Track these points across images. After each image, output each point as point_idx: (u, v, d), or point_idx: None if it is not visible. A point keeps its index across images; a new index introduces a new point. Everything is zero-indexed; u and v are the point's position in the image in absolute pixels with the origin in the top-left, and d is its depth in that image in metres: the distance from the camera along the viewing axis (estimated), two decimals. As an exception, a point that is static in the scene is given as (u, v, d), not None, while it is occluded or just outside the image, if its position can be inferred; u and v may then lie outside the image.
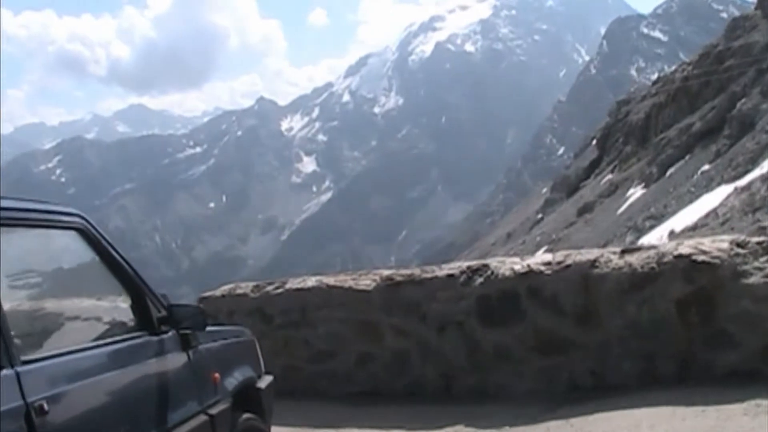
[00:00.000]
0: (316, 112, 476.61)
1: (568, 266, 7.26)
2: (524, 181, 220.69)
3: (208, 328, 4.90)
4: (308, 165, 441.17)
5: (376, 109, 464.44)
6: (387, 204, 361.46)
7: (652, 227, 53.05)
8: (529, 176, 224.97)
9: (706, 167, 57.81)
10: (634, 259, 7.08)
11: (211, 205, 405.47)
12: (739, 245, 6.81)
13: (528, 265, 7.48)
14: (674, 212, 52.55)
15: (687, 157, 63.44)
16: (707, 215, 45.55)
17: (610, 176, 79.04)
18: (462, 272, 7.82)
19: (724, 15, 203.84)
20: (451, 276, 7.86)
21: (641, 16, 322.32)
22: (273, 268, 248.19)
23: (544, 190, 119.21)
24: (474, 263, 7.92)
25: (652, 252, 7.04)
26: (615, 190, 73.20)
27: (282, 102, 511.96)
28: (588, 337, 7.24)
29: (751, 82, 62.07)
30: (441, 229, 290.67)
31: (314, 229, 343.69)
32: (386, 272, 8.40)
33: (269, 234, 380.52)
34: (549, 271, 7.32)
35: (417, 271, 8.23)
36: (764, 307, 6.59)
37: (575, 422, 6.63)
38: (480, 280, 7.67)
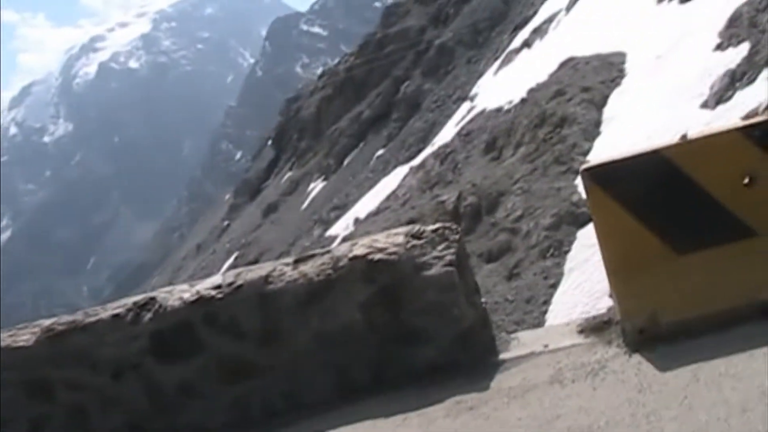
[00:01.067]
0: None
1: (240, 286, 6.71)
2: (207, 190, 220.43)
3: None
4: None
5: (46, 138, 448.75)
6: (71, 233, 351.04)
7: (337, 217, 54.03)
8: (210, 184, 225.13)
9: (380, 152, 59.63)
10: (308, 268, 6.63)
11: None
12: (414, 236, 6.53)
13: (197, 292, 6.85)
14: (356, 199, 53.80)
15: (361, 145, 65.26)
16: (388, 198, 46.78)
17: (290, 173, 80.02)
18: (128, 310, 7.07)
19: (378, 4, 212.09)
20: (116, 316, 7.09)
21: (300, 14, 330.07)
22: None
23: (228, 196, 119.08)
24: (140, 298, 7.19)
25: (326, 258, 6.62)
26: (297, 186, 74.19)
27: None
28: (274, 358, 6.74)
29: (412, 65, 64.70)
30: (130, 251, 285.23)
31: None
32: (47, 322, 7.49)
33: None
34: (221, 295, 6.73)
35: (80, 316, 7.39)
36: (449, 295, 6.39)
37: (271, 453, 6.17)
38: (149, 315, 6.97)
